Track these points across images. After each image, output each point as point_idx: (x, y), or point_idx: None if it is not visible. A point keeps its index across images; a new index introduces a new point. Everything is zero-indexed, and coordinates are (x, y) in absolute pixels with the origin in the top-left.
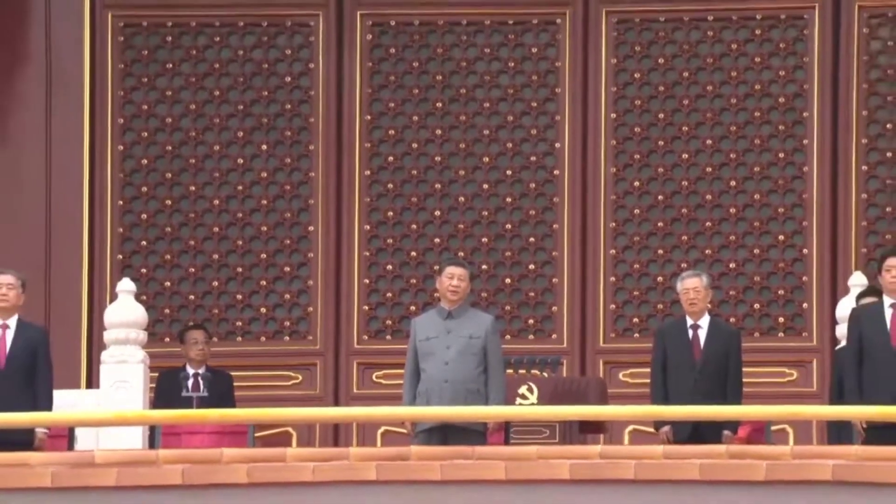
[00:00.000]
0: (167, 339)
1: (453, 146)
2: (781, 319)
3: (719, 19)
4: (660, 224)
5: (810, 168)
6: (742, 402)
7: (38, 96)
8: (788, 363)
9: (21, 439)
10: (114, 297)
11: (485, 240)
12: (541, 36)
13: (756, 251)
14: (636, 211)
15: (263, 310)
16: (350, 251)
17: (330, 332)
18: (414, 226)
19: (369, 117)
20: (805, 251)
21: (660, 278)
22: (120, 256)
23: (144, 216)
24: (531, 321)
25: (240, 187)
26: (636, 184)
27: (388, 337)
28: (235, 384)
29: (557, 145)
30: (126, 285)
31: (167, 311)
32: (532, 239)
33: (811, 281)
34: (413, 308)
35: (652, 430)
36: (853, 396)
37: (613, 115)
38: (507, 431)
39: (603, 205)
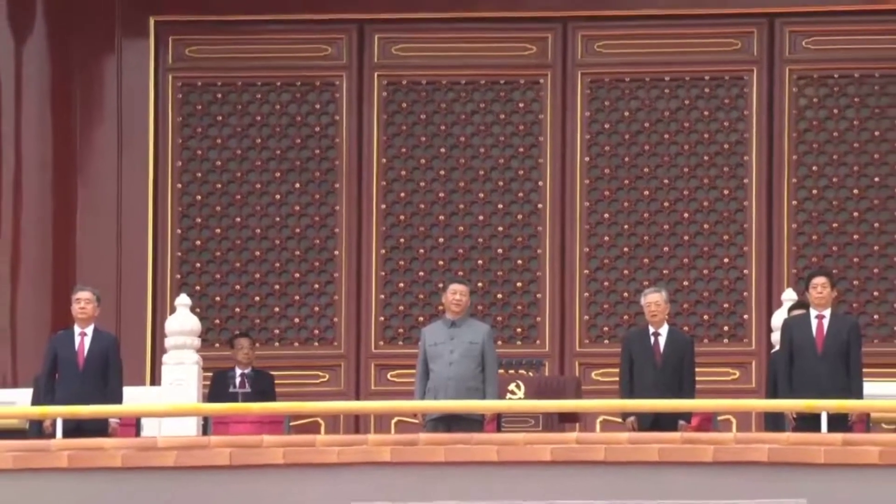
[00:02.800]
0: (217, 345)
1: (454, 184)
2: (726, 328)
3: (674, 79)
4: (625, 249)
5: (750, 203)
6: (694, 396)
7: (111, 144)
8: (732, 364)
9: (97, 427)
10: (173, 309)
11: (480, 262)
12: (526, 93)
13: (705, 271)
14: (606, 238)
15: (297, 320)
16: (368, 271)
17: (352, 339)
18: (422, 250)
19: (385, 160)
20: (745, 272)
21: (626, 294)
22: (178, 276)
23: (198, 242)
24: (519, 329)
25: (277, 218)
26: (606, 215)
27: (401, 343)
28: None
29: (540, 184)
30: (183, 300)
31: (217, 321)
32: (520, 261)
33: (750, 296)
34: (421, 319)
35: (619, 420)
36: (785, 392)
37: (587, 159)
38: (499, 421)
39: (578, 233)
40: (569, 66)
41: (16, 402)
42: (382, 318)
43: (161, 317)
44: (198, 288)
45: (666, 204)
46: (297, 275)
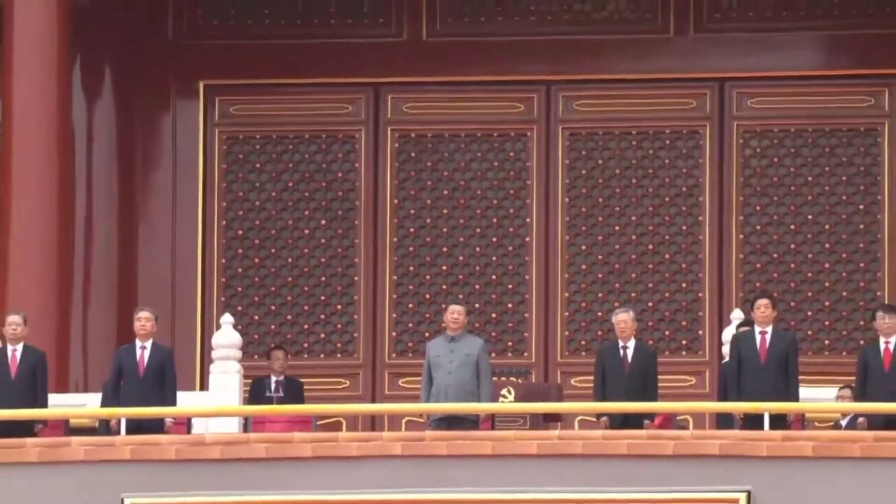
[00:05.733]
0: (255, 357)
1: (455, 221)
2: (684, 342)
3: (640, 133)
4: (599, 275)
5: (704, 236)
6: (657, 399)
7: (166, 188)
8: (689, 372)
9: (155, 426)
10: (219, 326)
11: (477, 286)
12: (516, 144)
13: (667, 294)
14: (583, 266)
15: (322, 335)
16: (382, 294)
17: (369, 351)
18: (427, 276)
19: (396, 201)
20: (700, 294)
21: (600, 313)
22: (223, 298)
23: (240, 270)
24: (509, 343)
25: (305, 250)
26: (583, 247)
27: (410, 355)
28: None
29: (528, 220)
30: (227, 318)
31: (256, 336)
32: (510, 286)
33: (705, 315)
34: (428, 335)
35: (594, 419)
36: (734, 396)
37: (567, 200)
38: (493, 421)
39: (560, 262)
40: (551, 122)
41: (87, 405)
42: (395, 334)
43: (208, 333)
44: (239, 308)
45: (633, 237)
46: (322, 297)
